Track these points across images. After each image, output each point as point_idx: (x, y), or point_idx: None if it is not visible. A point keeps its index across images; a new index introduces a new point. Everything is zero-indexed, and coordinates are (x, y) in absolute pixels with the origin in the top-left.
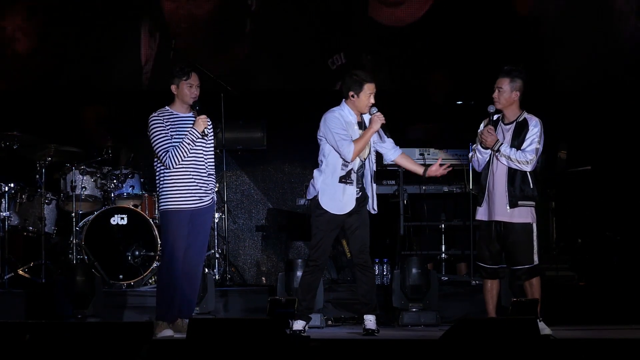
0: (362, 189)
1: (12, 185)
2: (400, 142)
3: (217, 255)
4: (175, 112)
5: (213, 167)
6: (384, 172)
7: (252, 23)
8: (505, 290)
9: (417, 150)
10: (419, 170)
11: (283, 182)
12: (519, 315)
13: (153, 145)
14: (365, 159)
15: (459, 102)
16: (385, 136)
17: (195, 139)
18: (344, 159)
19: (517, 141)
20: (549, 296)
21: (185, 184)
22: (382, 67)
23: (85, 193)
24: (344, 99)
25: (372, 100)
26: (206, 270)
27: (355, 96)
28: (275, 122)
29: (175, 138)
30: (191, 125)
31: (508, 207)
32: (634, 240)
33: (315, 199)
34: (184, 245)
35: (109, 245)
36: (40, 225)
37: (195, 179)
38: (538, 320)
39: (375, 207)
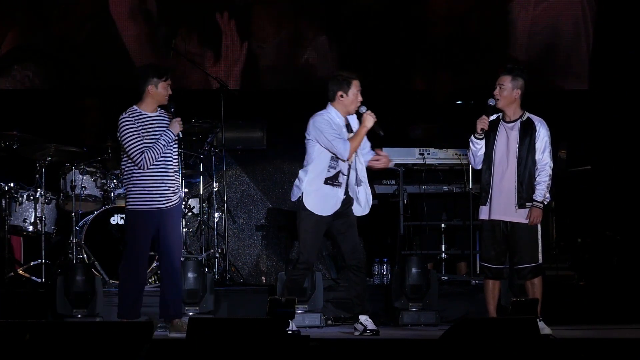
0: (346, 191)
1: (12, 185)
2: (401, 142)
3: (217, 255)
4: (144, 112)
5: (177, 164)
6: (384, 172)
7: None
8: (505, 290)
9: (417, 150)
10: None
11: (283, 181)
12: (519, 315)
13: (126, 146)
14: (351, 162)
15: (459, 102)
16: (380, 132)
17: (170, 141)
18: (340, 158)
19: (527, 141)
20: (549, 296)
21: (156, 184)
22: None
23: (85, 193)
24: (329, 102)
25: (360, 98)
26: (206, 270)
27: (345, 95)
28: (275, 122)
29: (146, 139)
30: (161, 126)
31: (517, 208)
32: (634, 240)
33: (300, 200)
34: (149, 244)
35: (109, 245)
36: (40, 225)
37: (164, 178)
38: (538, 320)
39: (367, 209)
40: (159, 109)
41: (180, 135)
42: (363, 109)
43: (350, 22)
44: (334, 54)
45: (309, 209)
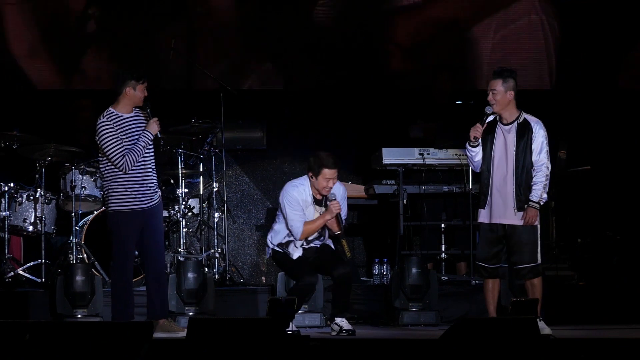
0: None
1: (12, 185)
2: (401, 142)
3: (217, 255)
4: (120, 114)
5: (154, 163)
6: (384, 171)
7: None
8: (505, 290)
9: (417, 150)
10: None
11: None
12: (519, 315)
13: (106, 150)
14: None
15: (459, 102)
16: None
17: (149, 142)
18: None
19: (523, 142)
20: (549, 296)
21: (137, 185)
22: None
23: (85, 193)
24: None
25: (331, 185)
26: (206, 270)
27: (314, 177)
28: (275, 122)
29: (125, 141)
30: (138, 126)
31: (515, 211)
32: (634, 240)
33: (272, 256)
34: (135, 245)
35: (108, 245)
36: (40, 225)
37: (144, 178)
38: (538, 319)
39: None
40: (134, 109)
41: (159, 135)
42: (331, 197)
43: (298, 50)
44: (279, 80)
45: (281, 251)
